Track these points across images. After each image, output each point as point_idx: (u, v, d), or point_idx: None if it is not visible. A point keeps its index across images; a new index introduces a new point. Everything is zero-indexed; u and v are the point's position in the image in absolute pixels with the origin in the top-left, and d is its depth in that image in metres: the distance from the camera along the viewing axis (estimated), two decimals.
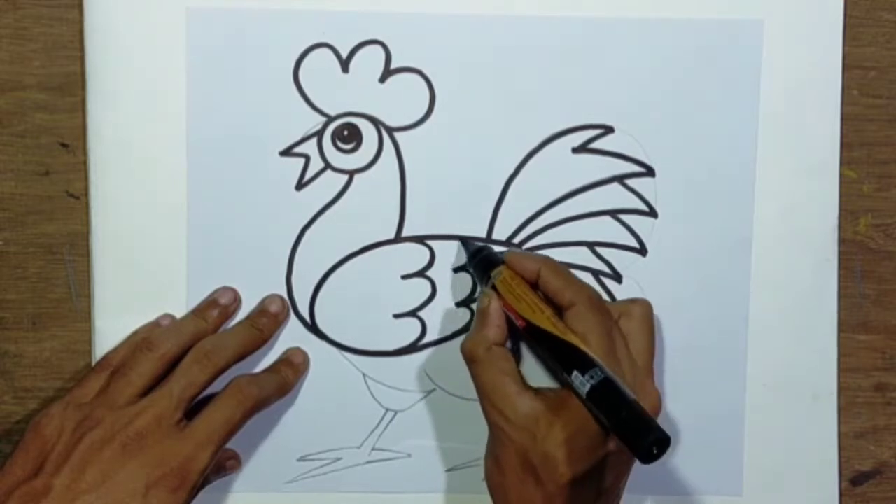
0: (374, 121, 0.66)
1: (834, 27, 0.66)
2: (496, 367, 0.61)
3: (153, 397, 0.60)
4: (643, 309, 0.63)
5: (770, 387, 0.68)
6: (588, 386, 0.57)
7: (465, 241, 0.66)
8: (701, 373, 0.67)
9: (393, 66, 0.66)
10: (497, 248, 0.66)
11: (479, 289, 0.66)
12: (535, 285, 0.63)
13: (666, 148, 0.67)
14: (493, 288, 0.63)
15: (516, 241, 0.67)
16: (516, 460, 0.59)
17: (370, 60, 0.66)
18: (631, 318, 0.63)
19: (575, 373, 0.58)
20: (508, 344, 0.63)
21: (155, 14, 0.65)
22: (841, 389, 0.68)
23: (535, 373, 0.64)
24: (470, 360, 0.62)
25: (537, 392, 0.60)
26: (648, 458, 0.55)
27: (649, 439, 0.55)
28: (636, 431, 0.55)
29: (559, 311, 0.62)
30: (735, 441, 0.68)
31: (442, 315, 0.67)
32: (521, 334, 0.63)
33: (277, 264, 0.66)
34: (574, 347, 0.59)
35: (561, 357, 0.59)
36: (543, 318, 0.60)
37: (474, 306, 0.67)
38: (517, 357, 0.65)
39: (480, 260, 0.65)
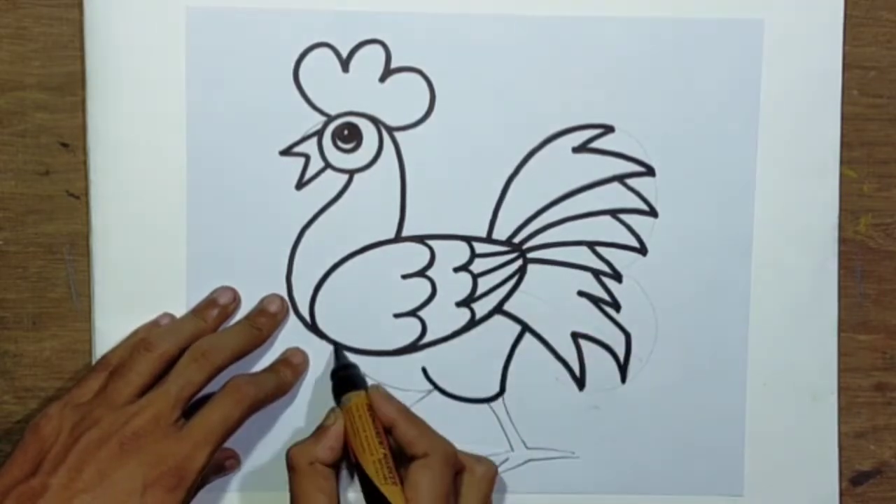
0: (374, 120, 0.66)
1: (834, 27, 0.66)
2: (313, 484, 0.60)
3: (151, 397, 0.60)
4: (487, 470, 0.63)
5: (770, 387, 0.67)
6: None
7: (337, 349, 0.66)
8: (701, 373, 0.67)
9: (393, 65, 0.66)
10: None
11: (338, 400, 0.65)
12: (389, 431, 0.63)
13: (666, 148, 0.67)
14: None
15: (516, 240, 0.67)
16: None
17: (370, 60, 0.66)
18: (471, 475, 0.63)
19: None
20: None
21: (155, 14, 0.65)
22: (841, 389, 0.68)
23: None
24: (290, 467, 0.61)
25: None
26: None
27: None
28: None
29: (410, 459, 0.61)
30: (735, 441, 0.68)
31: (442, 315, 0.67)
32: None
33: (277, 264, 0.66)
34: (385, 500, 0.59)
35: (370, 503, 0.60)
36: (370, 461, 0.61)
37: (475, 306, 0.67)
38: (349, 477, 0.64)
39: (340, 378, 0.65)
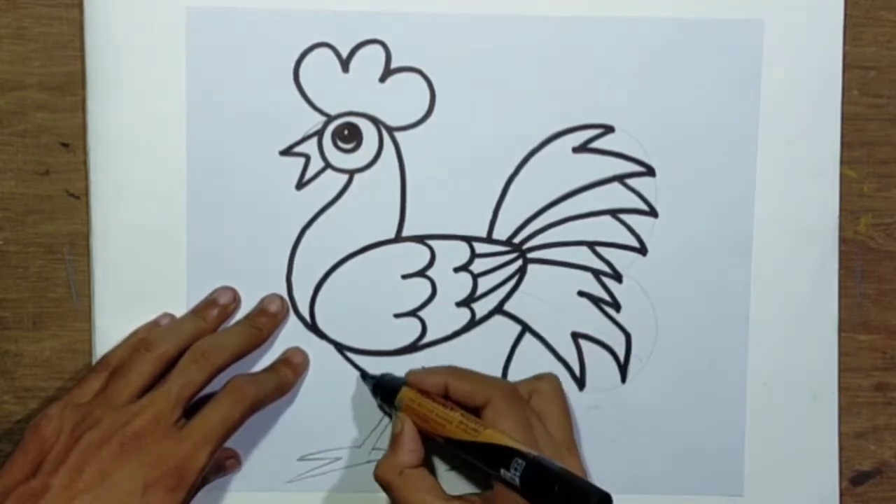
0: (375, 120, 0.66)
1: (834, 27, 0.66)
2: (414, 488, 0.60)
3: (151, 397, 0.60)
4: (551, 384, 0.64)
5: (770, 387, 0.67)
6: (517, 478, 0.58)
7: (363, 374, 0.67)
8: (701, 373, 0.67)
9: (393, 65, 0.66)
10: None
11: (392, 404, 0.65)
12: (447, 396, 0.63)
13: (666, 148, 0.67)
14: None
15: (516, 240, 0.67)
16: None
17: (370, 60, 0.66)
18: (542, 396, 0.64)
19: (502, 471, 0.59)
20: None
21: (155, 14, 0.65)
22: (841, 389, 0.68)
23: (455, 482, 0.65)
24: (385, 486, 0.61)
25: (462, 498, 0.60)
26: None
27: (590, 503, 0.56)
28: (575, 499, 0.56)
29: (476, 412, 0.62)
30: (735, 441, 0.68)
31: (442, 315, 0.67)
32: (435, 448, 0.63)
33: (277, 264, 0.66)
34: (490, 445, 0.59)
35: (484, 460, 0.60)
36: (453, 428, 0.61)
37: (475, 306, 0.67)
38: (433, 470, 0.64)
39: (381, 389, 0.65)
